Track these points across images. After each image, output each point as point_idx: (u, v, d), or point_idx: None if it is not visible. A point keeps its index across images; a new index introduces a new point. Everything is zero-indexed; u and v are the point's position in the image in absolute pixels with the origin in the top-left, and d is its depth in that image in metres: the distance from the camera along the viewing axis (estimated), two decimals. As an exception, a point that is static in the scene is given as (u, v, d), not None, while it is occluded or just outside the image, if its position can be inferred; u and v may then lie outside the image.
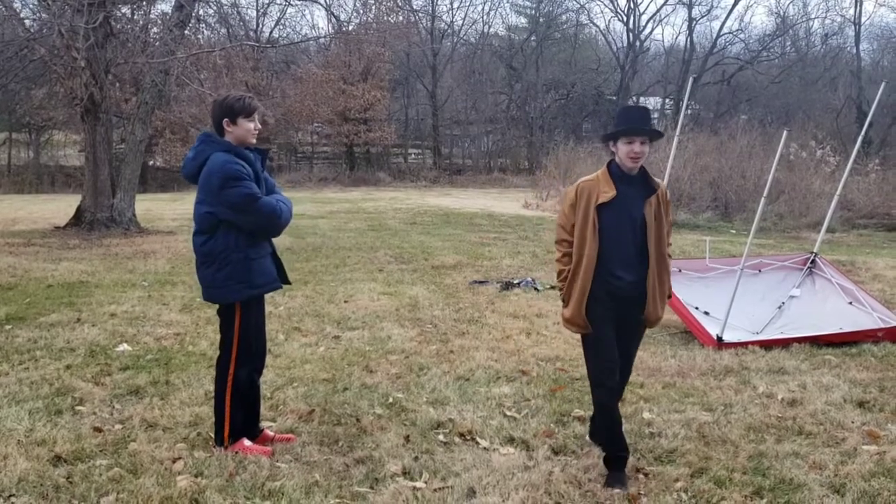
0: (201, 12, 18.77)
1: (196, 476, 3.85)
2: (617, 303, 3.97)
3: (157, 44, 15.56)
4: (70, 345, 6.35)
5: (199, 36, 20.24)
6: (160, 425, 4.57)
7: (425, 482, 3.85)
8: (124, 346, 6.35)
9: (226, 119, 4.03)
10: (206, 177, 3.97)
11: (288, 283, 4.39)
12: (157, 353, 6.18)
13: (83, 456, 4.08)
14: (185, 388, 5.26)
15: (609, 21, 60.45)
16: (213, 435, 4.34)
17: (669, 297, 4.13)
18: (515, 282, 9.48)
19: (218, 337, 4.03)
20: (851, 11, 44.45)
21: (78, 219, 15.47)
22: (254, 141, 4.12)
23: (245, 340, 4.18)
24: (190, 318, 7.45)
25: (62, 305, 7.94)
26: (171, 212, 19.93)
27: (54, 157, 36.53)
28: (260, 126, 4.13)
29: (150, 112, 16.59)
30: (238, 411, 4.20)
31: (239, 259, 4.02)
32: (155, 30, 17.27)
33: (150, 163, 33.85)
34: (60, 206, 18.58)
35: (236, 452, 4.09)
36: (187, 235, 14.54)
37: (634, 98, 41.42)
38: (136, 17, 17.56)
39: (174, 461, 4.03)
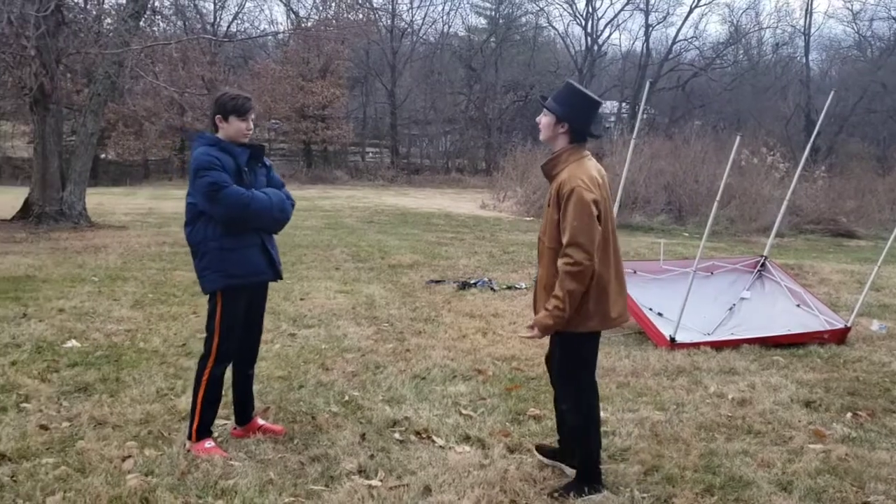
0: (157, 4, 18.54)
1: (146, 475, 3.78)
2: None
3: (111, 35, 15.27)
4: (16, 340, 6.17)
5: (155, 28, 19.92)
6: (109, 423, 4.47)
7: (381, 480, 3.83)
8: (73, 343, 6.20)
9: (218, 116, 4.11)
10: (190, 168, 4.10)
11: (280, 277, 4.36)
12: (107, 350, 6.05)
13: (28, 454, 3.97)
14: (136, 386, 5.16)
15: (568, 24, 60.92)
16: (163, 433, 4.31)
17: (554, 308, 3.51)
18: (472, 282, 9.50)
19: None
20: (802, 22, 45.71)
21: (25, 212, 15.11)
22: (245, 140, 4.17)
23: (228, 333, 4.14)
24: (142, 315, 7.31)
25: (8, 300, 7.72)
26: (124, 206, 19.56)
27: (1, 149, 35.53)
28: (252, 127, 4.19)
29: (103, 104, 16.26)
30: (209, 409, 4.17)
31: (214, 248, 4.05)
32: (109, 20, 16.95)
33: (103, 156, 33.23)
34: (7, 199, 18.04)
35: (188, 451, 4.03)
36: (139, 230, 14.34)
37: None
38: (89, 6, 17.22)
39: (124, 459, 3.94)
